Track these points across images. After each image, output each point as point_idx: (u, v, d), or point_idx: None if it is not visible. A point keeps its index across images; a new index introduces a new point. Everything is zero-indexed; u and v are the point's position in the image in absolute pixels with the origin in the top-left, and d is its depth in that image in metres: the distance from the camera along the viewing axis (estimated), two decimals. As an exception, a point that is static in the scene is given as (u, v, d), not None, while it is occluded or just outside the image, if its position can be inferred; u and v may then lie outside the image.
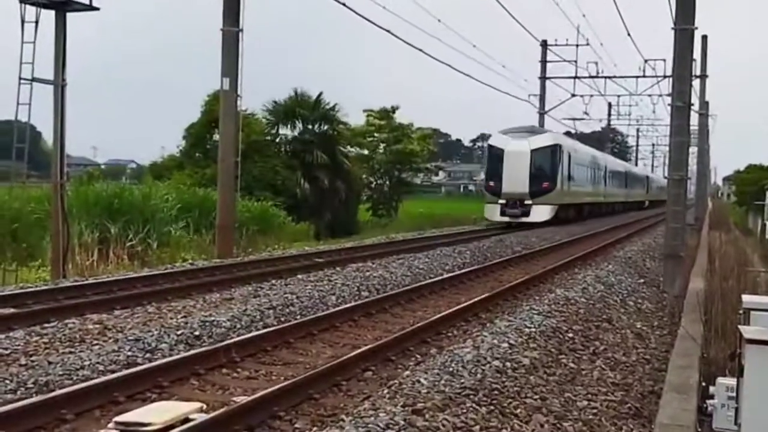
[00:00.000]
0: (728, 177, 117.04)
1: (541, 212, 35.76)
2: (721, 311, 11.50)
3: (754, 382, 5.57)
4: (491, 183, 36.73)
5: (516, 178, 35.46)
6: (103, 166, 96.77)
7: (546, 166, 36.43)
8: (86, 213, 22.95)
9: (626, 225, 41.57)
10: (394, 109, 54.63)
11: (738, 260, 19.16)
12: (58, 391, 7.72)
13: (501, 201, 35.79)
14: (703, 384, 7.60)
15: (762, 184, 42.03)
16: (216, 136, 30.31)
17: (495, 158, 36.84)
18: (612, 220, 44.30)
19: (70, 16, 18.79)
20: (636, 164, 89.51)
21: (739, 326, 6.42)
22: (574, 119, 55.91)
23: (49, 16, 18.49)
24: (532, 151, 36.04)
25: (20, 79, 18.25)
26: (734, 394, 6.19)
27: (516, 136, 36.87)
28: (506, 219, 35.54)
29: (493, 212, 36.38)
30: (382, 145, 53.66)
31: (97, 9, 19.02)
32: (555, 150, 37.12)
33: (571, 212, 40.29)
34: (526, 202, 35.47)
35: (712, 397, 6.76)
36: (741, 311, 7.43)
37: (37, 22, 18.21)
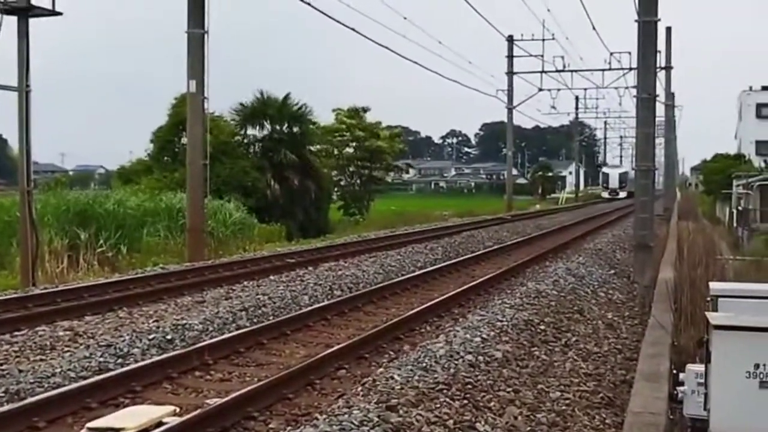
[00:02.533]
0: (696, 167, 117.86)
1: (623, 195, 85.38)
2: (690, 299, 11.61)
3: (721, 368, 5.63)
4: (605, 185, 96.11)
5: (614, 182, 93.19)
6: (71, 173, 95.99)
7: (624, 178, 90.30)
8: (56, 220, 22.71)
9: (597, 217, 42.91)
10: (365, 110, 54.58)
11: (706, 249, 19.31)
12: (30, 399, 7.67)
13: (609, 190, 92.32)
14: (674, 371, 7.66)
15: (729, 173, 42.42)
16: (184, 139, 30.02)
17: (606, 176, 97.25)
18: (585, 212, 48.09)
19: (33, 22, 18.60)
20: (605, 157, 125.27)
21: (707, 313, 6.48)
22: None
23: (11, 22, 18.29)
24: (619, 173, 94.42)
25: (-17, 86, 18.07)
26: (703, 380, 6.24)
27: (613, 167, 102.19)
28: (609, 197, 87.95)
29: (605, 193, 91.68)
30: (352, 144, 53.54)
31: (60, 14, 18.82)
32: (627, 173, 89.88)
33: (629, 195, 79.07)
34: (618, 190, 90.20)
35: (682, 384, 6.81)
36: (709, 298, 7.51)
37: (-2, 28, 17.99)
